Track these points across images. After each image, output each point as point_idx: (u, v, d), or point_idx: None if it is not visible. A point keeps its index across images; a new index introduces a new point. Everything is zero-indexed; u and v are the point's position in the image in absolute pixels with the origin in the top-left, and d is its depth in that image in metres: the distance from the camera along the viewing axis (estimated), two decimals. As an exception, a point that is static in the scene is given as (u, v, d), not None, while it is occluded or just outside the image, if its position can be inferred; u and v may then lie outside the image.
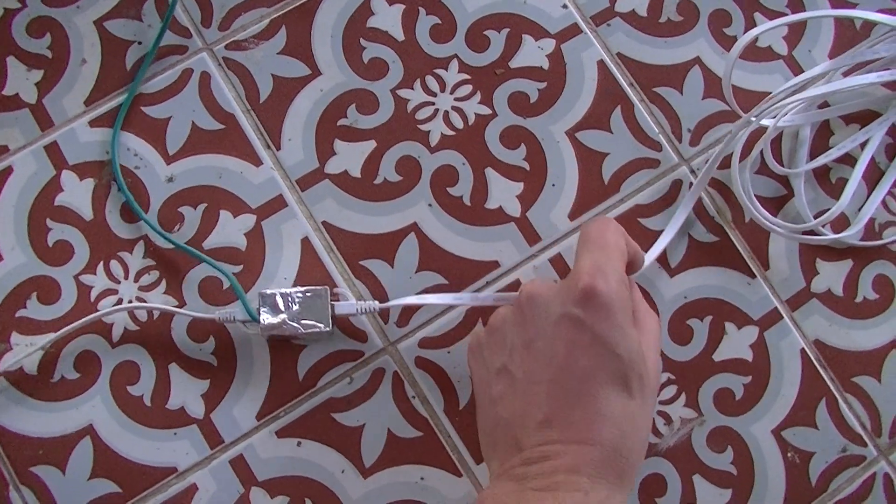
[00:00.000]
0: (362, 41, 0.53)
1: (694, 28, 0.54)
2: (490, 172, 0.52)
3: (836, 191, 0.52)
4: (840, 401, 0.50)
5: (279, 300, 0.46)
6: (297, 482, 0.47)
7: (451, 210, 0.51)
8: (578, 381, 0.38)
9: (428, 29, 0.53)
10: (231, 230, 0.50)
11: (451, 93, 0.53)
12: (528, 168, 0.52)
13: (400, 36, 0.53)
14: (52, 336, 0.47)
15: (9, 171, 0.50)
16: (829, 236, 0.51)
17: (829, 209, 0.50)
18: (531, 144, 0.52)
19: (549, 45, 0.54)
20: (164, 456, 0.47)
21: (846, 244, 0.52)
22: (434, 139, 0.52)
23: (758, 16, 0.55)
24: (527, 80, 0.53)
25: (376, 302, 0.48)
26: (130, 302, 0.49)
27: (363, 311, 0.47)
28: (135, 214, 0.50)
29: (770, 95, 0.50)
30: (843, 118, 0.54)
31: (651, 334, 0.42)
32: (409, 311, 0.50)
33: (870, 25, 0.55)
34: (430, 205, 0.51)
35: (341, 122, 0.52)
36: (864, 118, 0.53)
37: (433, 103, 0.52)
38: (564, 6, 0.54)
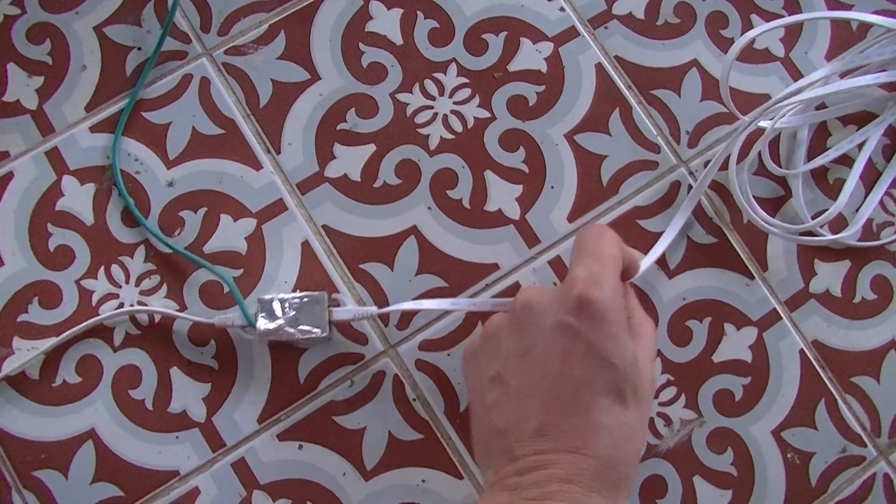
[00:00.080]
0: (361, 45, 0.53)
1: (691, 30, 0.54)
2: (489, 175, 0.52)
3: (833, 191, 0.52)
4: (839, 401, 0.50)
5: (276, 306, 0.47)
6: (298, 485, 0.47)
7: (451, 213, 0.51)
8: (573, 391, 0.38)
9: (426, 33, 0.54)
10: (231, 234, 0.50)
11: (450, 96, 0.53)
12: (527, 171, 0.52)
13: (398, 40, 0.54)
14: (53, 340, 0.48)
15: (10, 176, 0.51)
16: (828, 237, 0.51)
17: (826, 210, 0.50)
18: (530, 147, 0.52)
19: (546, 48, 0.54)
20: (165, 459, 0.47)
21: (844, 245, 0.52)
22: (433, 142, 0.52)
23: (754, 17, 0.55)
24: (525, 83, 0.53)
25: (374, 307, 0.48)
26: (132, 306, 0.49)
27: (360, 316, 0.47)
28: (136, 219, 0.50)
29: (771, 101, 0.50)
30: (841, 119, 0.54)
31: (647, 342, 0.41)
32: (409, 314, 0.50)
33: (866, 26, 0.55)
34: (429, 208, 0.51)
35: (341, 126, 0.52)
36: (861, 119, 0.54)
37: (432, 107, 0.53)
38: (562, 9, 0.54)
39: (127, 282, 0.49)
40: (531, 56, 0.54)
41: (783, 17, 0.55)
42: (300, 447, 0.48)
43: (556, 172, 0.52)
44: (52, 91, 0.52)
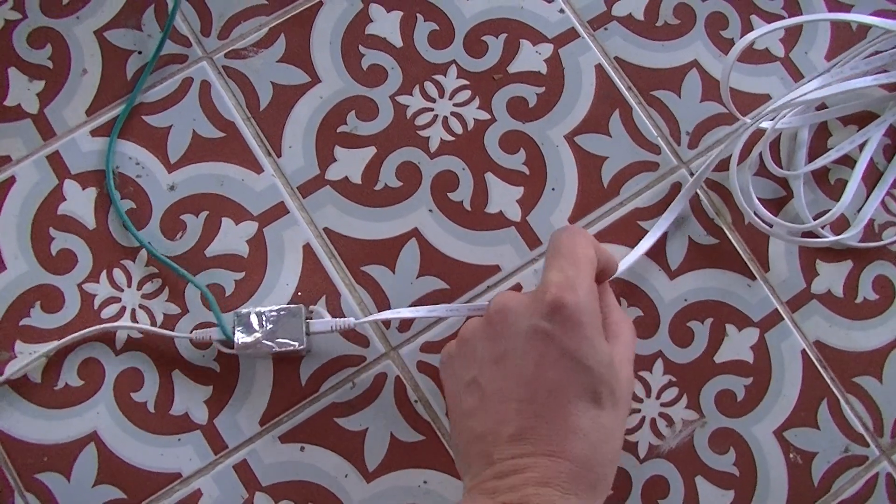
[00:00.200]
0: (361, 48, 0.53)
1: (691, 31, 0.54)
2: (490, 177, 0.52)
3: (835, 192, 0.52)
4: (841, 401, 0.50)
5: (254, 319, 0.46)
6: (300, 487, 0.47)
7: (452, 215, 0.51)
8: (548, 395, 0.38)
9: (426, 35, 0.54)
10: (233, 237, 0.50)
11: (450, 98, 0.53)
12: (527, 172, 0.52)
13: (398, 42, 0.54)
14: (55, 343, 0.48)
15: (11, 180, 0.51)
16: (829, 238, 0.51)
17: (828, 211, 0.50)
18: (530, 149, 0.52)
19: (546, 49, 0.54)
20: (168, 462, 0.47)
21: (846, 245, 0.52)
22: (434, 145, 0.52)
23: (754, 18, 0.55)
24: (525, 84, 0.53)
25: (352, 319, 0.48)
26: (134, 310, 0.49)
27: (338, 328, 0.47)
28: (138, 222, 0.50)
29: (771, 102, 0.50)
30: (842, 120, 0.54)
31: (624, 342, 0.41)
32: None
33: (866, 27, 0.55)
34: (430, 210, 0.51)
35: (341, 128, 0.52)
36: (862, 119, 0.54)
37: (432, 109, 0.53)
38: (561, 10, 0.55)
39: (129, 286, 0.49)
40: (531, 58, 0.54)
41: (783, 17, 0.55)
42: (302, 449, 0.48)
43: (556, 174, 0.52)
44: (52, 95, 0.52)
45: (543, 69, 0.54)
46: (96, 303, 0.49)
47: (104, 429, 0.48)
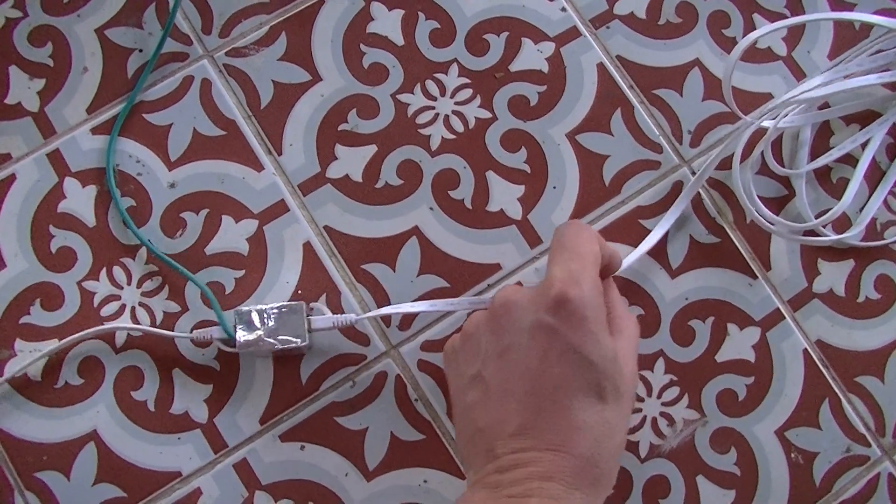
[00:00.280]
0: (362, 46, 0.53)
1: (693, 30, 0.54)
2: (491, 175, 0.52)
3: (837, 191, 0.52)
4: (843, 401, 0.50)
5: (255, 317, 0.46)
6: (300, 486, 0.47)
7: (453, 213, 0.51)
8: (551, 389, 0.38)
9: (427, 33, 0.54)
10: (233, 235, 0.50)
11: (452, 97, 0.53)
12: (528, 171, 0.52)
13: (399, 41, 0.53)
14: (55, 343, 0.48)
15: (12, 178, 0.51)
16: (831, 237, 0.51)
17: (830, 209, 0.50)
18: (532, 147, 0.52)
19: (548, 48, 0.54)
20: (167, 461, 0.47)
21: (848, 244, 0.52)
22: (435, 143, 0.52)
23: (757, 17, 0.55)
24: (527, 83, 0.53)
25: (352, 315, 0.48)
26: (133, 308, 0.49)
27: (340, 324, 0.47)
28: (138, 220, 0.50)
29: (773, 100, 0.50)
30: (844, 119, 0.54)
31: (627, 338, 0.41)
32: (410, 314, 0.50)
33: (869, 25, 0.55)
34: (431, 208, 0.51)
35: (342, 126, 0.52)
36: (864, 118, 0.53)
37: (433, 107, 0.53)
38: (563, 9, 0.54)
39: (128, 283, 0.49)
40: (533, 56, 0.54)
41: (785, 16, 0.55)
42: (302, 448, 0.48)
43: (557, 172, 0.52)
44: (53, 93, 0.52)
45: (545, 68, 0.54)
46: (96, 301, 0.49)
47: (104, 427, 0.48)
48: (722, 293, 0.51)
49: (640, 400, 0.49)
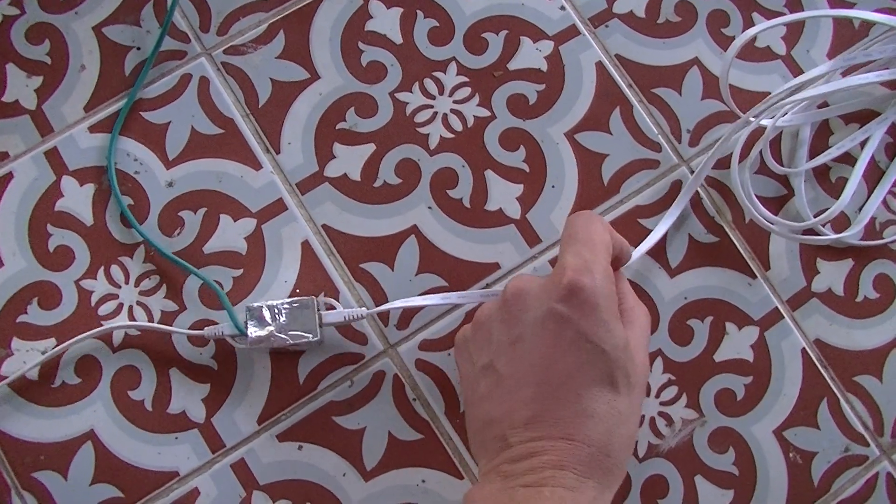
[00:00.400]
0: (360, 45, 0.53)
1: (692, 29, 0.54)
2: (490, 174, 0.52)
3: (836, 190, 0.52)
4: (842, 400, 0.50)
5: (266, 312, 0.46)
6: (298, 486, 0.47)
7: (451, 212, 0.51)
8: (563, 378, 0.38)
9: (426, 32, 0.54)
10: (231, 234, 0.50)
11: (450, 95, 0.53)
12: (527, 170, 0.52)
13: (398, 39, 0.53)
14: (52, 343, 0.48)
15: (9, 176, 0.50)
16: (830, 236, 0.51)
17: (829, 208, 0.50)
18: (530, 146, 0.52)
19: (547, 46, 0.54)
20: (165, 460, 0.47)
21: (847, 243, 0.52)
22: (433, 142, 0.52)
23: (756, 16, 0.55)
24: (525, 81, 0.53)
25: (363, 308, 0.48)
26: (131, 307, 0.49)
27: (351, 318, 0.47)
28: (136, 219, 0.50)
29: (769, 96, 0.50)
30: (843, 117, 0.53)
31: (639, 328, 0.42)
32: (408, 314, 0.50)
33: (868, 24, 0.55)
34: (429, 207, 0.51)
35: (340, 125, 0.52)
36: (863, 117, 0.53)
37: (432, 106, 0.52)
38: (562, 8, 0.54)
39: (126, 282, 0.49)
40: (531, 55, 0.53)
41: (785, 14, 0.55)
42: (300, 448, 0.48)
43: (556, 171, 0.52)
44: (51, 91, 0.52)
45: (544, 66, 0.53)
46: (94, 299, 0.49)
47: (101, 427, 0.47)
48: (721, 292, 0.51)
49: (639, 399, 0.49)
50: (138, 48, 0.53)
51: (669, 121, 0.53)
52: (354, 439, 0.48)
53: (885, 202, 0.52)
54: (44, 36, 0.52)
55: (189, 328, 0.48)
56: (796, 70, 0.54)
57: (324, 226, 0.51)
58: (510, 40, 0.54)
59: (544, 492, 0.36)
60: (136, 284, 0.49)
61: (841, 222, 0.52)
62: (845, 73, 0.53)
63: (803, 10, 0.55)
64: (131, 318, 0.49)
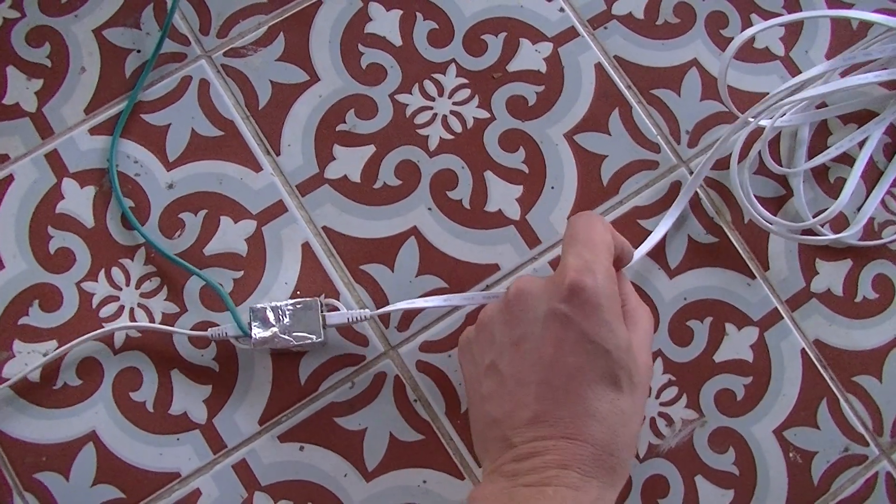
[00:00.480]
0: (360, 47, 0.53)
1: (691, 30, 0.54)
2: (489, 176, 0.52)
3: (834, 190, 0.52)
4: (841, 400, 0.50)
5: (270, 314, 0.46)
6: (299, 486, 0.47)
7: (451, 214, 0.51)
8: (566, 378, 0.38)
9: (425, 34, 0.54)
10: (232, 236, 0.50)
11: (450, 97, 0.53)
12: (527, 171, 0.52)
13: (398, 41, 0.53)
14: (53, 354, 0.48)
15: (10, 179, 0.51)
16: (829, 236, 0.51)
17: (828, 209, 0.50)
18: (530, 147, 0.52)
19: (546, 48, 0.54)
20: (167, 461, 0.47)
21: (845, 244, 0.52)
22: (433, 143, 0.52)
23: (754, 17, 0.55)
24: (525, 83, 0.53)
25: (367, 310, 0.48)
26: (132, 309, 0.49)
27: (354, 319, 0.47)
28: (136, 221, 0.50)
29: (768, 96, 0.50)
30: (841, 118, 0.54)
31: (642, 329, 0.42)
32: (409, 315, 0.50)
33: (867, 25, 0.55)
34: (429, 209, 0.51)
35: (340, 127, 0.52)
36: (861, 118, 0.54)
37: (432, 108, 0.53)
38: (561, 9, 0.54)
39: (127, 284, 0.49)
40: (531, 56, 0.54)
41: (783, 15, 0.55)
42: (301, 448, 0.48)
43: (556, 172, 0.52)
44: (51, 94, 0.52)
45: (543, 68, 0.54)
46: (95, 302, 0.49)
47: (103, 428, 0.48)
48: (720, 293, 0.51)
49: (639, 400, 0.49)
50: (138, 51, 0.53)
51: (668, 122, 0.53)
52: (356, 440, 0.48)
53: (883, 202, 0.52)
54: (44, 39, 0.53)
55: (191, 330, 0.48)
56: (795, 70, 0.54)
57: (324, 227, 0.51)
58: (509, 42, 0.54)
59: (547, 491, 0.36)
60: (137, 286, 0.49)
61: (840, 222, 0.52)
62: (844, 74, 0.53)
63: (801, 11, 0.55)
64: (132, 319, 0.49)
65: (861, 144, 0.53)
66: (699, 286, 0.51)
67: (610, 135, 0.53)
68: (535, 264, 0.51)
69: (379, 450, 0.48)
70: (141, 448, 0.47)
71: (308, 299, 0.47)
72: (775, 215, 0.52)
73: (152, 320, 0.49)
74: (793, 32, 0.55)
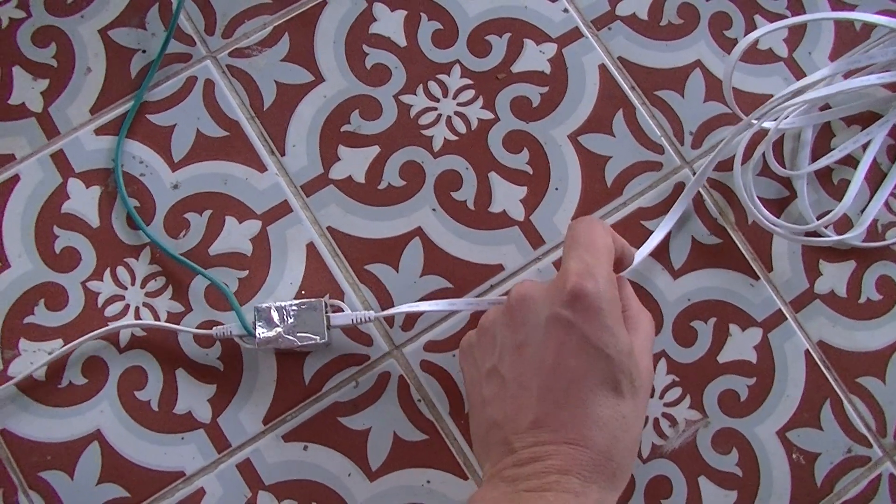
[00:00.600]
0: (365, 47, 0.53)
1: (694, 31, 0.55)
2: (493, 177, 0.52)
3: (838, 192, 0.52)
4: (844, 402, 0.50)
5: (274, 314, 0.46)
6: (303, 486, 0.47)
7: (455, 214, 0.51)
8: (568, 383, 0.38)
9: (430, 34, 0.54)
10: (236, 236, 0.50)
11: (454, 98, 0.53)
12: (531, 172, 0.52)
13: (402, 42, 0.54)
14: (59, 352, 0.48)
15: (16, 179, 0.51)
16: (833, 238, 0.51)
17: (831, 210, 0.50)
18: (534, 148, 0.52)
19: (550, 49, 0.54)
20: (171, 460, 0.47)
21: (849, 245, 0.52)
22: (437, 144, 0.52)
23: (758, 18, 0.55)
24: (529, 84, 0.53)
25: (371, 312, 0.48)
26: (137, 308, 0.49)
27: (359, 321, 0.47)
28: (141, 221, 0.50)
29: (771, 98, 0.50)
30: (845, 120, 0.54)
31: (643, 333, 0.42)
32: (413, 315, 0.50)
33: (870, 27, 0.55)
34: (434, 209, 0.51)
35: (345, 127, 0.52)
36: (865, 119, 0.54)
37: (436, 108, 0.53)
38: (565, 10, 0.55)
39: (132, 284, 0.49)
40: (535, 57, 0.54)
41: (787, 17, 0.55)
42: (305, 448, 0.48)
43: (560, 173, 0.52)
44: (57, 94, 0.52)
45: (547, 69, 0.54)
46: (100, 301, 0.49)
47: (108, 427, 0.48)
48: (724, 294, 0.51)
49: (642, 400, 0.49)
50: (144, 51, 0.53)
51: (672, 123, 0.53)
52: (359, 440, 0.48)
53: (887, 204, 0.53)
54: (50, 39, 0.53)
55: (211, 329, 0.48)
56: (798, 72, 0.54)
57: (328, 228, 0.51)
58: (513, 43, 0.54)
59: (548, 496, 0.36)
60: (143, 286, 0.50)
61: (843, 224, 0.52)
62: (847, 76, 0.53)
63: (805, 13, 0.55)
64: (137, 318, 0.49)
65: (864, 146, 0.53)
66: (703, 287, 0.51)
67: (614, 136, 0.53)
68: (538, 265, 0.51)
69: (383, 449, 0.48)
70: (145, 447, 0.47)
71: (313, 300, 0.47)
72: (779, 217, 0.52)
73: (157, 319, 0.49)
74: (796, 34, 0.55)
